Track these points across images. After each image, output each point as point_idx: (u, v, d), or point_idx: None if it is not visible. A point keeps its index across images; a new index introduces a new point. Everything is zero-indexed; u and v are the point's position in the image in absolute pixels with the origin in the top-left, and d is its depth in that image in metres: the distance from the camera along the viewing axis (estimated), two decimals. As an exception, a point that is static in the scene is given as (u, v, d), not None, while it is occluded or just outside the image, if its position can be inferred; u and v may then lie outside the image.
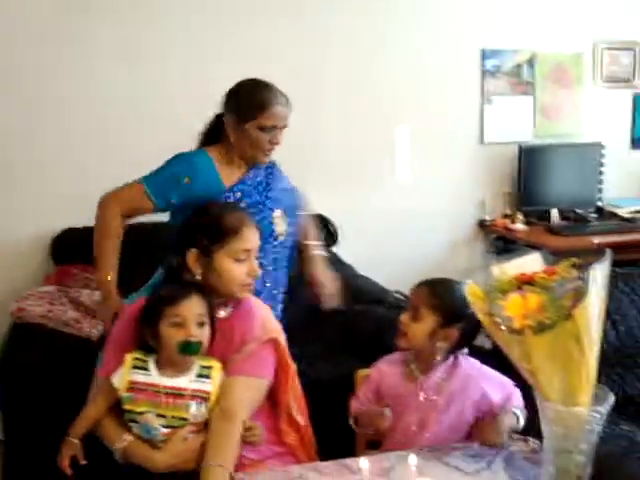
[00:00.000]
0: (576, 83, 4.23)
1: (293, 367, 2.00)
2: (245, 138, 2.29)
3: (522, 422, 1.86)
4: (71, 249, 3.32)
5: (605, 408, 1.52)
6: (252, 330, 1.91)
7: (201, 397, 1.79)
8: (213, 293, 1.89)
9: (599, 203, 4.25)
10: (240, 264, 1.89)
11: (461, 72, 4.03)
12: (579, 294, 1.43)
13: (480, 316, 1.54)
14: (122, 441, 1.77)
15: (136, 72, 3.51)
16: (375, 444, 2.04)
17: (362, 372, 2.16)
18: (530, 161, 4.05)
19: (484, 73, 4.05)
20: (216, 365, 1.84)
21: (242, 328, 1.91)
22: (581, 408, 1.50)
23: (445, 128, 4.03)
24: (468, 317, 1.82)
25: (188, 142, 2.40)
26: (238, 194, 2.32)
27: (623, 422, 1.94)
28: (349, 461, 1.79)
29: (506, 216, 4.12)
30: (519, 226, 3.96)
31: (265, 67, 3.54)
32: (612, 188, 4.32)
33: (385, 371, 2.00)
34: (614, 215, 4.18)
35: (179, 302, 1.77)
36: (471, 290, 1.54)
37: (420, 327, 1.90)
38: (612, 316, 2.13)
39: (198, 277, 1.89)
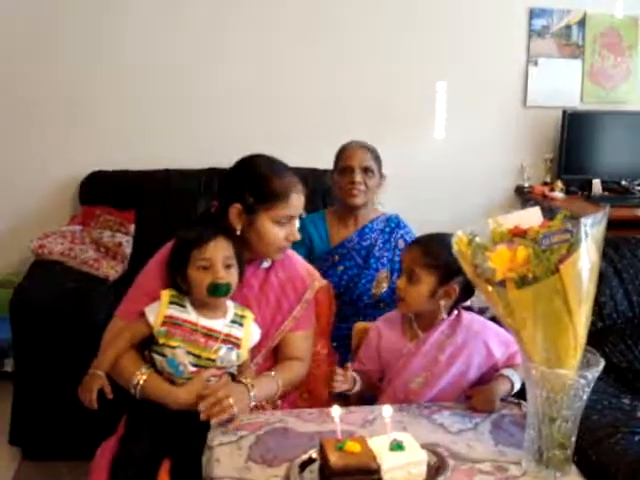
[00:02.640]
0: (629, 48, 4.00)
1: None
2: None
3: (517, 386, 1.79)
4: (98, 191, 3.37)
5: (593, 374, 1.45)
6: (301, 277, 2.04)
7: (232, 342, 1.82)
8: (247, 249, 1.91)
9: (646, 175, 4.06)
10: (281, 227, 1.91)
11: (507, 31, 3.86)
12: (569, 249, 1.36)
13: (465, 267, 1.48)
14: (142, 374, 1.78)
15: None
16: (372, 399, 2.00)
17: (360, 325, 2.13)
18: (575, 127, 3.87)
19: (531, 33, 3.87)
20: (249, 315, 1.89)
21: (291, 277, 2.02)
22: (566, 371, 1.43)
23: (487, 88, 3.88)
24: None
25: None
26: (336, 257, 2.56)
27: (624, 395, 1.85)
28: (333, 410, 1.76)
29: (545, 183, 3.97)
30: (558, 194, 3.81)
31: (308, 30, 3.62)
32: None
33: (384, 331, 1.95)
34: (660, 189, 3.98)
35: (205, 245, 1.79)
36: (458, 240, 1.48)
37: (418, 289, 1.83)
38: (626, 284, 2.02)
39: (237, 232, 1.89)
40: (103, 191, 3.34)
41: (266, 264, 2.01)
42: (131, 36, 3.50)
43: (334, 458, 1.41)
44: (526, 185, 3.98)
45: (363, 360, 1.97)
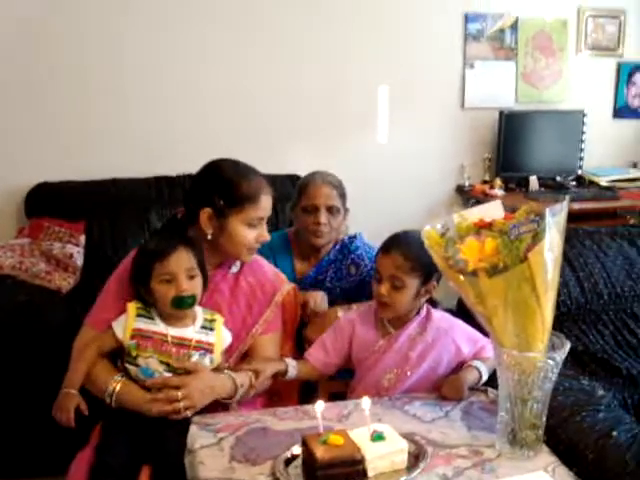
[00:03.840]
0: (559, 50, 4.19)
1: None
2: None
3: (485, 377, 1.86)
4: (44, 203, 3.31)
5: (560, 355, 1.53)
6: (270, 281, 2.07)
7: (204, 348, 1.83)
8: (217, 252, 1.95)
9: (579, 172, 4.24)
10: (252, 229, 1.93)
11: (444, 35, 3.99)
12: (535, 238, 1.43)
13: (436, 260, 1.54)
14: (116, 382, 1.78)
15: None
16: (341, 397, 2.04)
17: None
18: (511, 127, 4.03)
19: (466, 37, 4.01)
20: (219, 318, 1.89)
21: (260, 281, 2.04)
22: (536, 353, 1.51)
23: (426, 91, 3.99)
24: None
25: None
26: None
27: (583, 377, 1.95)
28: (308, 407, 1.79)
29: (485, 182, 4.11)
30: (497, 191, 3.95)
31: (249, 32, 3.64)
32: (593, 157, 4.30)
33: (357, 326, 1.98)
34: (593, 184, 4.17)
35: (166, 259, 1.78)
36: (428, 234, 1.54)
37: (404, 295, 1.85)
38: (577, 272, 2.13)
39: (209, 237, 1.91)
40: (50, 203, 3.28)
41: (235, 269, 2.03)
42: (72, 46, 3.45)
43: (320, 452, 1.44)
44: (467, 184, 4.11)
45: (330, 350, 1.99)
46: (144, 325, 1.81)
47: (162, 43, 3.57)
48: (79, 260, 3.10)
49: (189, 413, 1.74)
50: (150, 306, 1.84)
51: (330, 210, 2.39)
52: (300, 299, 2.24)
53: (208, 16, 3.61)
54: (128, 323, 1.81)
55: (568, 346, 1.53)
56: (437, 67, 4.01)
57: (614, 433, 1.62)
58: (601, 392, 1.84)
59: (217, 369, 1.86)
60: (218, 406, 1.84)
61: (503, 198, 3.90)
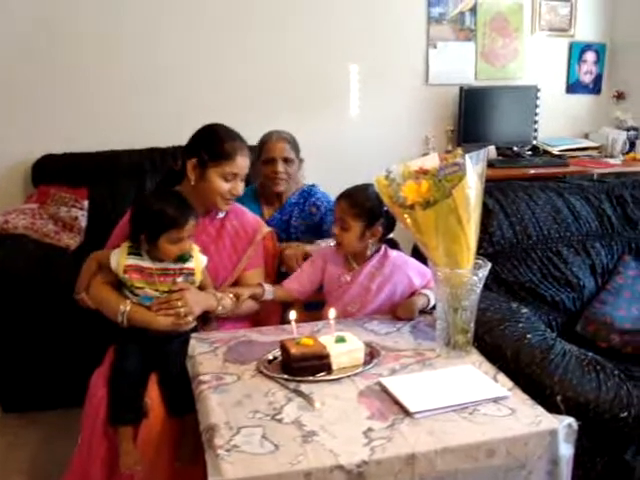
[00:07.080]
0: (515, 31, 4.58)
1: None
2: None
3: (432, 302, 2.24)
4: (49, 172, 3.65)
5: (482, 273, 1.93)
6: (251, 223, 2.45)
7: (186, 273, 2.21)
8: (202, 199, 2.33)
9: (534, 142, 4.64)
10: (226, 182, 2.31)
11: (409, 19, 4.37)
12: (459, 178, 1.83)
13: (384, 199, 1.94)
14: (126, 305, 2.15)
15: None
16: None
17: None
18: (471, 102, 4.41)
19: (429, 20, 4.40)
20: (195, 247, 2.25)
21: (243, 224, 2.43)
22: (463, 270, 1.91)
23: (393, 70, 4.38)
24: (385, 213, 2.22)
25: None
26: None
27: (512, 301, 2.35)
28: (286, 326, 2.18)
29: (448, 152, 4.49)
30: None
31: (230, 14, 4.01)
32: (549, 129, 4.70)
33: (328, 261, 2.37)
34: (547, 152, 4.57)
35: (182, 227, 2.13)
36: (377, 180, 1.95)
37: (350, 235, 2.25)
38: (510, 218, 2.53)
39: (192, 182, 2.30)
40: (55, 172, 3.62)
41: (221, 214, 2.42)
42: (81, 23, 3.77)
43: (294, 350, 1.84)
44: (431, 153, 4.47)
45: (305, 278, 2.39)
46: (134, 261, 2.16)
47: (157, 28, 3.91)
48: (83, 222, 3.47)
49: (190, 318, 2.13)
50: (140, 247, 2.17)
51: (285, 161, 2.83)
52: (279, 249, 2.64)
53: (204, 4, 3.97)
54: (121, 259, 2.16)
55: (489, 266, 1.94)
56: (403, 47, 4.38)
57: (528, 336, 2.03)
58: (524, 310, 2.24)
59: (201, 288, 2.24)
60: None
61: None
